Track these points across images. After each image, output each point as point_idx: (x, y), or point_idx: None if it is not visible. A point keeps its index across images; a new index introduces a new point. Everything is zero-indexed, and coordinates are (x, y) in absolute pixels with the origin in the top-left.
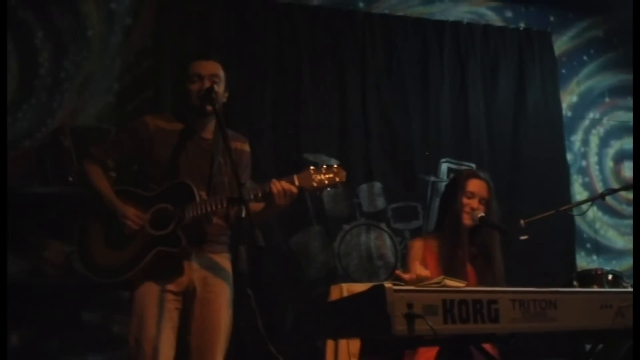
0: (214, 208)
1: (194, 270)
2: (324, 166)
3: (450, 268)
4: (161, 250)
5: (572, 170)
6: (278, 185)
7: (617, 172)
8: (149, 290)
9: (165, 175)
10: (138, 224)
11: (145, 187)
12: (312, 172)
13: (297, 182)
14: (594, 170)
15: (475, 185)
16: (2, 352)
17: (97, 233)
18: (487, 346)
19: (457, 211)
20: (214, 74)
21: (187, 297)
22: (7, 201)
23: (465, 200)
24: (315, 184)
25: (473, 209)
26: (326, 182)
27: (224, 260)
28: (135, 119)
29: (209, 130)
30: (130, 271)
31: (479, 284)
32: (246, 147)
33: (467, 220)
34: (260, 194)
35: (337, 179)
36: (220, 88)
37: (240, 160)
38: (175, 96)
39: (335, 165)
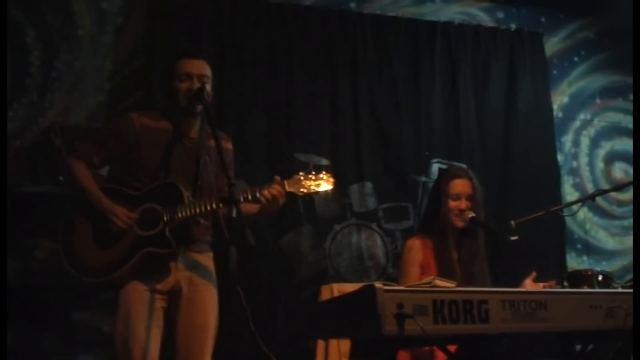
0: (202, 210)
1: (179, 270)
2: (313, 172)
3: (443, 271)
4: (149, 251)
5: (563, 171)
6: (267, 194)
7: (607, 173)
8: (136, 290)
9: (151, 175)
10: (127, 223)
11: (131, 185)
12: (301, 177)
13: (287, 188)
14: (585, 171)
15: (458, 186)
16: (2, 352)
17: (83, 230)
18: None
19: (445, 215)
20: (203, 74)
21: (173, 296)
22: (7, 202)
23: (452, 204)
24: (304, 190)
25: (462, 211)
26: (314, 188)
27: (208, 260)
28: (121, 116)
29: (195, 130)
30: (118, 271)
31: (464, 284)
32: (229, 145)
33: (457, 222)
34: (250, 197)
35: (326, 185)
36: (209, 87)
37: (225, 158)
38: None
39: (323, 172)
